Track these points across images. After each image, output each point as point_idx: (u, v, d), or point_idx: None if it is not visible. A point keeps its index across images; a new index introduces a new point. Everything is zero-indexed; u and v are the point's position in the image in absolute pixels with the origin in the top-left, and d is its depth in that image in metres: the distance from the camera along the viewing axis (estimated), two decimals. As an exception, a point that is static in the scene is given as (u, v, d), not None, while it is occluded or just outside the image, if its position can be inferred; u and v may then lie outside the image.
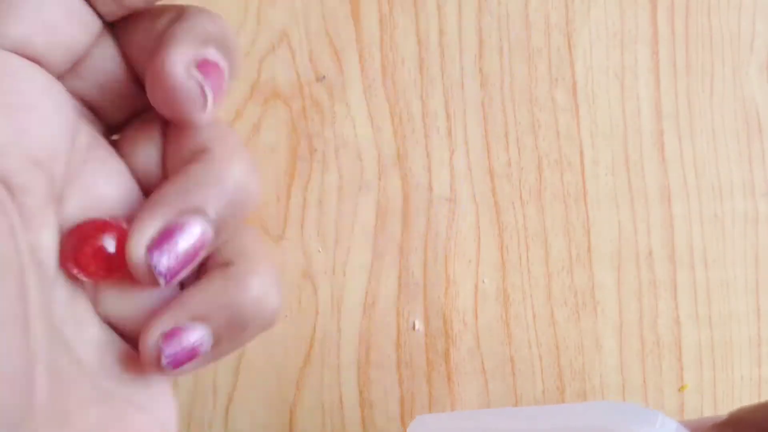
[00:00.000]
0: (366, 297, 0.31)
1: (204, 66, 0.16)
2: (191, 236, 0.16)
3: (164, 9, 0.17)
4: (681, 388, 0.31)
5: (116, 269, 0.18)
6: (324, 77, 0.32)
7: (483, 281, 0.31)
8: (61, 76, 0.16)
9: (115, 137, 0.18)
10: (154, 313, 0.17)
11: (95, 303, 0.17)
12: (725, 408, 0.31)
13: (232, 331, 0.16)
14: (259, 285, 0.16)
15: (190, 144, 0.17)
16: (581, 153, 0.32)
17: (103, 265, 0.17)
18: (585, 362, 0.31)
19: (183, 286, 0.18)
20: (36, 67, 0.16)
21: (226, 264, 0.17)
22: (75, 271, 0.17)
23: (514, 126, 0.32)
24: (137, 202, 0.17)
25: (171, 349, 0.16)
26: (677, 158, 0.32)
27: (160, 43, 0.16)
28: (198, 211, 0.16)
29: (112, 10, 0.16)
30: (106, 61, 0.17)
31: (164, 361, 0.16)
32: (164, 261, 0.16)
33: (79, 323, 0.17)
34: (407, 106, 0.32)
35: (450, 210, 0.31)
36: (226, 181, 0.16)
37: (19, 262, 0.14)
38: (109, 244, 0.18)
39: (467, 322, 0.31)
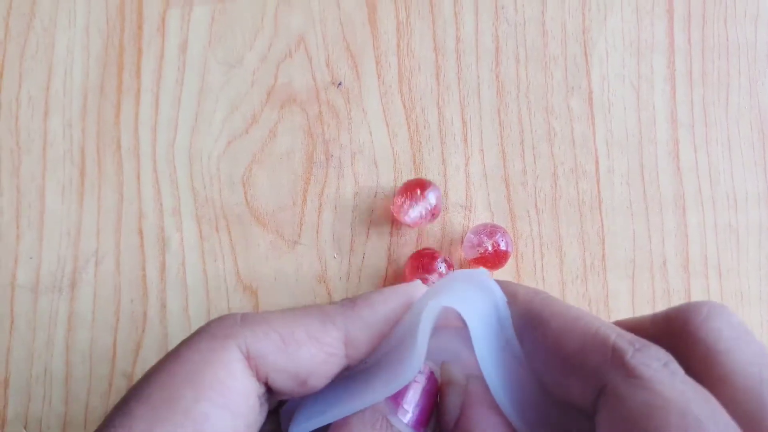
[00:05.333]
0: (380, 303, 0.31)
1: None
2: None
3: None
4: (694, 398, 0.31)
5: None
6: (341, 83, 0.32)
7: (497, 288, 0.31)
8: None
9: None
10: None
11: None
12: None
13: None
14: None
15: None
16: (596, 161, 0.32)
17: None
18: (598, 371, 0.31)
19: None
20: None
21: None
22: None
23: (529, 134, 0.32)
24: None
25: None
26: (692, 168, 0.32)
27: None
28: None
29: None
30: None
31: None
32: None
33: None
34: (423, 112, 0.32)
35: (465, 217, 0.31)
36: None
37: None
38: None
39: (481, 330, 0.31)
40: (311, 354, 0.20)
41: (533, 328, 0.19)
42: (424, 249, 0.30)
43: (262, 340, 0.19)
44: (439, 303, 0.19)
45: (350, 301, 0.21)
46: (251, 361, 0.19)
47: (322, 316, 0.21)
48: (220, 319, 0.20)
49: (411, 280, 0.29)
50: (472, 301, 0.20)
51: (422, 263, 0.29)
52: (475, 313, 0.20)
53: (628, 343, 0.17)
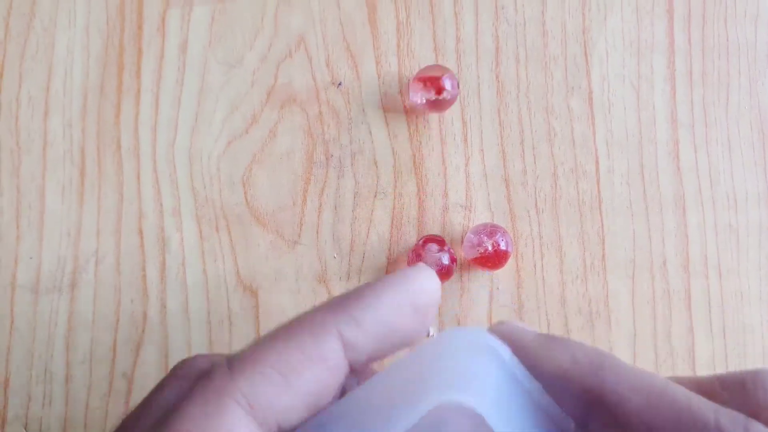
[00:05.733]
0: (380, 303, 0.31)
1: None
2: None
3: None
4: (694, 398, 0.31)
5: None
6: (341, 83, 0.32)
7: (497, 288, 0.31)
8: None
9: None
10: None
11: None
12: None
13: None
14: None
15: None
16: (596, 161, 0.32)
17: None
18: (598, 371, 0.31)
19: None
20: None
21: None
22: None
23: (529, 134, 0.32)
24: None
25: None
26: (692, 168, 0.32)
27: None
28: None
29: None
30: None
31: None
32: None
33: None
34: (423, 112, 0.32)
35: (465, 217, 0.31)
36: None
37: None
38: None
39: (481, 330, 0.31)
40: (315, 376, 0.18)
41: (604, 406, 0.17)
42: (431, 236, 0.30)
43: (262, 384, 0.17)
44: (432, 401, 0.16)
45: (339, 302, 0.19)
46: (257, 414, 0.17)
47: (313, 329, 0.18)
48: (209, 377, 0.17)
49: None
50: (482, 381, 0.17)
51: (425, 247, 0.29)
52: (491, 400, 0.16)
53: (732, 423, 0.16)
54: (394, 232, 0.31)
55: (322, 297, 0.31)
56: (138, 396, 0.30)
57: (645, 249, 0.31)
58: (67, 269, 0.31)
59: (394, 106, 0.32)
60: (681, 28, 0.33)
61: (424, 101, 0.30)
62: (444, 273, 0.29)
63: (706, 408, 0.16)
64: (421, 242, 0.30)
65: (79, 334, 0.31)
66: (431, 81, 0.30)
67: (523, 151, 0.32)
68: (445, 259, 0.29)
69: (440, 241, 0.30)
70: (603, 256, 0.31)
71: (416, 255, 0.30)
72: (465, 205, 0.31)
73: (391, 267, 0.31)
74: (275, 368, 0.17)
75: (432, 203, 0.31)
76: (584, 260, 0.31)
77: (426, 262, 0.29)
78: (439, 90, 0.30)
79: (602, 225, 0.31)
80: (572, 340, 0.18)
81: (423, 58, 0.32)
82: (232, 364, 0.17)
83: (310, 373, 0.17)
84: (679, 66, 0.32)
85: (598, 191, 0.32)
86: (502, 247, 0.29)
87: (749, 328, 0.31)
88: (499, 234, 0.30)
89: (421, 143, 0.32)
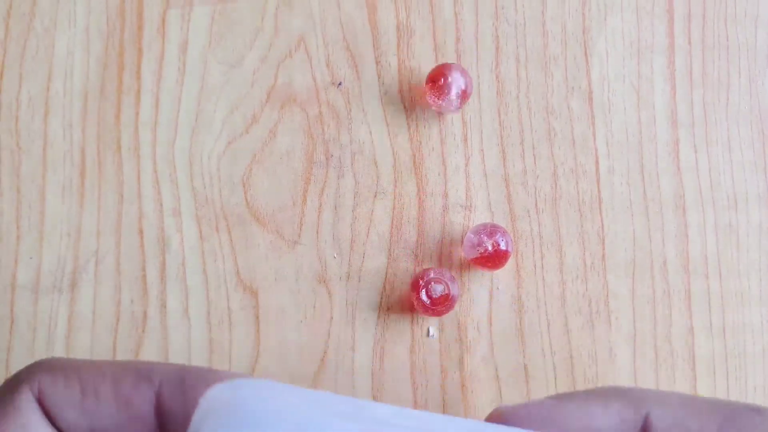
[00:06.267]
0: (380, 303, 0.31)
1: None
2: None
3: None
4: (694, 398, 0.31)
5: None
6: (341, 83, 0.32)
7: (497, 288, 0.31)
8: None
9: None
10: None
11: None
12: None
13: None
14: None
15: None
16: (596, 161, 0.32)
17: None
18: (599, 371, 0.31)
19: None
20: None
21: None
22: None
23: (529, 134, 0.32)
24: None
25: None
26: (692, 168, 0.32)
27: None
28: None
29: None
30: None
31: None
32: None
33: None
34: (423, 112, 0.32)
35: (465, 217, 0.31)
36: None
37: None
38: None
39: (481, 330, 0.31)
40: (109, 414, 0.17)
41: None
42: (427, 269, 0.30)
43: (58, 387, 0.17)
44: None
45: (190, 368, 0.18)
46: (46, 411, 0.17)
47: (140, 371, 0.18)
48: (35, 362, 0.18)
49: (414, 296, 0.29)
50: None
51: (424, 278, 0.29)
52: None
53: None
54: (394, 232, 0.31)
55: (322, 297, 0.31)
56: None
57: (645, 249, 0.31)
58: (67, 269, 0.31)
59: (394, 107, 0.32)
60: (681, 28, 0.33)
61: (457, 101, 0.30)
62: (444, 308, 0.29)
63: (743, 403, 0.17)
64: (419, 281, 0.30)
65: (79, 334, 0.31)
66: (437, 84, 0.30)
67: (523, 151, 0.32)
68: (437, 292, 0.29)
69: (437, 280, 0.29)
70: (603, 256, 0.31)
71: (415, 288, 0.30)
72: (465, 205, 0.31)
73: (391, 267, 0.31)
74: (81, 385, 0.17)
75: (432, 203, 0.31)
76: (584, 260, 0.31)
77: (423, 296, 0.29)
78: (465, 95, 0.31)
79: (602, 225, 0.31)
80: (580, 391, 0.19)
81: (423, 58, 0.32)
82: (54, 361, 0.18)
83: (106, 408, 0.17)
84: (679, 66, 0.32)
85: (598, 191, 0.32)
86: (502, 247, 0.29)
87: (749, 328, 0.31)
88: (499, 234, 0.30)
89: (421, 143, 0.32)
